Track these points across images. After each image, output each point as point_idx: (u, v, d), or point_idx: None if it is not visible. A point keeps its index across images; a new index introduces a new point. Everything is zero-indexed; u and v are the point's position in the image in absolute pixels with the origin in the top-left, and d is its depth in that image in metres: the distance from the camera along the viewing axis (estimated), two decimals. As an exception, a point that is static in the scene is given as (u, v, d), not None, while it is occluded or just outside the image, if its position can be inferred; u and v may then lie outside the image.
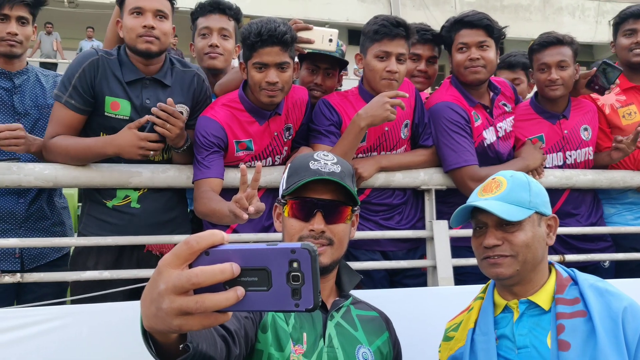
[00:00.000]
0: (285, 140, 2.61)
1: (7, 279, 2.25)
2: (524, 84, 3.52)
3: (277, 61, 2.34)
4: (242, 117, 2.49)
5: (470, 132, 2.72)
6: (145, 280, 2.29)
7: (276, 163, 2.62)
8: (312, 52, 2.65)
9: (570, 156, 2.95)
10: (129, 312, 1.97)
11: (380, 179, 2.66)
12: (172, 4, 2.49)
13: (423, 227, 2.76)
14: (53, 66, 13.72)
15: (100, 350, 2.01)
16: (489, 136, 2.78)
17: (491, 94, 2.84)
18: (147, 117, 2.29)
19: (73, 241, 2.58)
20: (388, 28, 2.52)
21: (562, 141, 2.94)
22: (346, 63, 2.91)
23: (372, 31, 2.56)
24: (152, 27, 2.35)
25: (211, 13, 2.84)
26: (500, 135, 2.81)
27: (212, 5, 2.85)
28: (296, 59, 2.51)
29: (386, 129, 2.66)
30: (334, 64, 2.82)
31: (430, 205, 2.73)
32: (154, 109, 2.28)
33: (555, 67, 2.84)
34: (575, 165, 2.96)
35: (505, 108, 2.89)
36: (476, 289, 1.91)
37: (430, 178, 2.72)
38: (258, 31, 2.30)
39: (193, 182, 2.43)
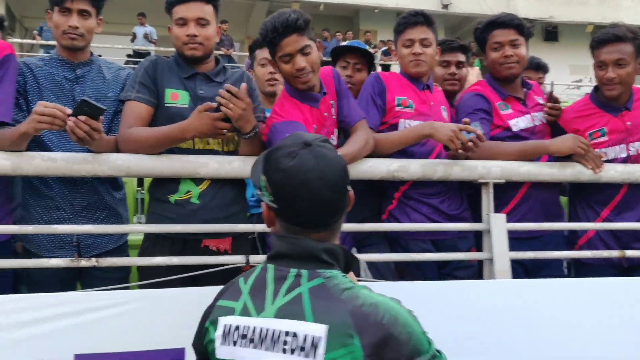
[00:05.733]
0: (334, 117, 2.70)
1: (84, 263, 2.39)
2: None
3: (298, 47, 2.44)
4: (303, 108, 2.55)
5: (489, 118, 2.93)
6: (207, 267, 2.39)
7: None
8: (342, 49, 3.04)
9: (634, 147, 2.92)
10: (193, 298, 2.06)
11: (439, 172, 2.70)
12: (216, 6, 2.59)
13: (470, 216, 2.88)
14: (147, 55, 14.11)
15: (164, 334, 2.13)
16: (524, 123, 2.94)
17: (524, 89, 3.06)
18: (216, 98, 2.34)
19: (127, 228, 2.78)
20: (407, 19, 2.89)
21: (625, 133, 2.91)
22: (372, 56, 3.21)
23: (397, 25, 2.95)
24: (195, 35, 2.52)
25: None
26: (536, 123, 2.97)
27: None
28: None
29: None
30: (362, 59, 3.20)
31: (487, 199, 2.74)
32: (220, 91, 2.34)
33: (613, 66, 2.80)
34: (639, 156, 2.93)
35: (539, 101, 3.07)
36: (530, 283, 1.82)
37: (488, 172, 2.73)
38: (273, 27, 2.42)
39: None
